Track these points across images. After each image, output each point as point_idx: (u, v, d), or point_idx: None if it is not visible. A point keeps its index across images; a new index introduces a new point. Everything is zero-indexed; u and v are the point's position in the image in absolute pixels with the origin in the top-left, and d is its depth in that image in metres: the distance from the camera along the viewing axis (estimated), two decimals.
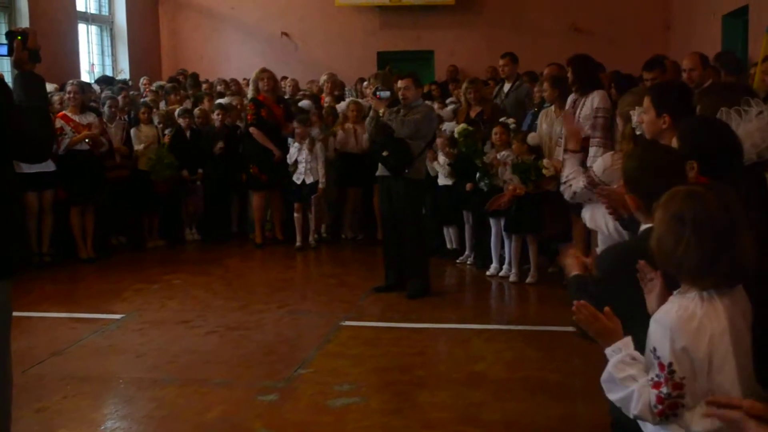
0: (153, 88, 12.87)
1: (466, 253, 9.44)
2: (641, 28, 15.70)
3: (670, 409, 2.46)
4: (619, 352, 2.63)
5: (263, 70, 10.74)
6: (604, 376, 2.66)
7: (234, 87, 13.24)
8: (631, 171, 3.13)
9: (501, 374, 5.86)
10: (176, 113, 11.17)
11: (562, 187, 4.80)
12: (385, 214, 8.29)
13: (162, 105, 12.08)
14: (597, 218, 4.71)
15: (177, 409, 5.33)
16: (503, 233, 8.60)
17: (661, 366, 2.46)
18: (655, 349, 2.49)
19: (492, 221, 8.67)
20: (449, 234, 9.74)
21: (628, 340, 2.63)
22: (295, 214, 10.48)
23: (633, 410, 2.56)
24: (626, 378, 2.58)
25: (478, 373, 5.90)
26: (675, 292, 2.58)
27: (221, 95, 12.49)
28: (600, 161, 4.96)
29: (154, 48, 17.57)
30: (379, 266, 8.56)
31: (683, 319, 2.44)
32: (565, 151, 4.87)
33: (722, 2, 12.02)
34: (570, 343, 6.01)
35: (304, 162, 10.21)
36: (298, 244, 10.46)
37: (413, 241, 8.03)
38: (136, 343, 6.74)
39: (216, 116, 11.05)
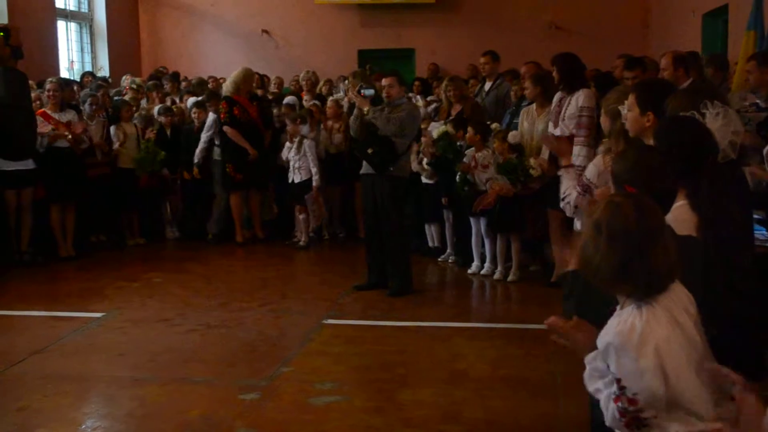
0: (133, 86, 12.78)
1: (448, 251, 9.46)
2: (620, 26, 15.77)
3: (633, 422, 2.48)
4: (594, 361, 2.65)
5: (251, 72, 10.75)
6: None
7: (213, 84, 13.15)
8: (622, 172, 3.14)
9: (483, 372, 5.88)
10: (156, 111, 11.13)
11: (562, 204, 4.82)
12: (368, 212, 8.26)
13: (143, 103, 12.03)
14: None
15: (158, 407, 5.31)
16: (483, 232, 8.62)
17: (616, 381, 2.49)
18: (608, 366, 2.51)
19: (472, 220, 8.68)
20: (431, 232, 9.75)
21: (596, 353, 2.64)
22: (299, 215, 10.44)
23: (606, 421, 2.59)
24: (594, 391, 2.62)
25: (460, 371, 5.91)
26: (617, 308, 2.61)
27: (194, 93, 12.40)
28: (592, 166, 4.97)
29: (134, 45, 17.49)
30: (360, 264, 8.57)
31: (624, 334, 2.45)
32: (559, 168, 4.88)
33: (702, 1, 12.07)
34: (551, 341, 6.01)
35: (293, 160, 10.19)
36: (298, 240, 10.46)
37: (396, 239, 8.03)
38: (117, 342, 6.71)
39: (194, 114, 11.00)
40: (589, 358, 2.67)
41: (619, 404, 2.48)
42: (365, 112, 7.93)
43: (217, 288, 8.52)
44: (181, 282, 8.78)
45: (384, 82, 8.10)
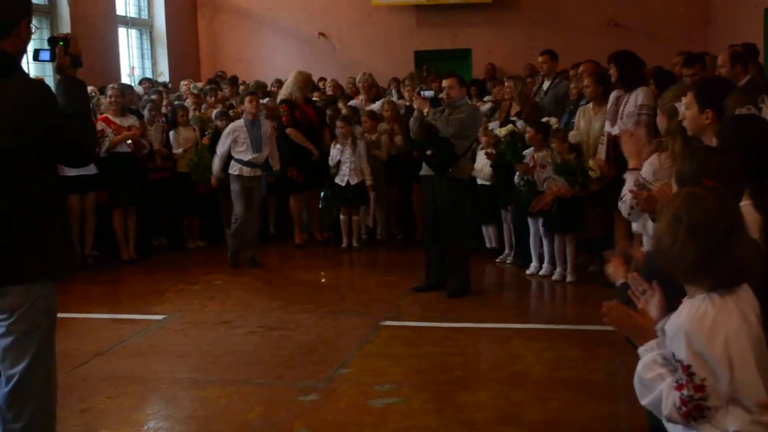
0: (193, 90, 12.96)
1: (506, 252, 9.41)
2: (680, 22, 15.55)
3: (695, 411, 2.45)
4: (652, 351, 2.62)
5: (309, 76, 10.83)
6: (635, 377, 2.65)
7: (275, 88, 13.23)
8: (688, 173, 3.08)
9: (542, 374, 5.84)
10: (213, 115, 11.24)
11: (619, 204, 4.77)
12: (428, 213, 8.23)
13: (203, 107, 12.17)
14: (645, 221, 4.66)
15: (218, 409, 5.36)
16: (542, 232, 8.56)
17: (683, 368, 2.45)
18: (674, 354, 2.48)
19: (530, 220, 8.62)
20: (488, 233, 9.70)
21: (661, 339, 2.61)
22: (341, 216, 10.48)
23: (663, 411, 2.55)
24: (655, 377, 2.58)
25: (519, 372, 5.88)
26: (685, 298, 2.57)
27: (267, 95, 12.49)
28: (648, 165, 4.91)
29: (193, 50, 17.72)
30: (418, 266, 8.55)
31: (696, 320, 2.43)
32: (628, 169, 4.83)
33: None
34: (611, 342, 5.95)
35: (348, 162, 10.21)
36: (344, 245, 10.48)
37: (455, 241, 8.01)
38: (178, 344, 6.80)
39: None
40: (649, 346, 2.64)
41: (684, 392, 2.45)
42: (425, 114, 7.91)
43: (276, 290, 8.58)
44: (241, 284, 8.87)
45: (444, 83, 8.09)
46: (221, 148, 9.75)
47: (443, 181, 7.91)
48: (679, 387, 2.47)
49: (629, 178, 4.77)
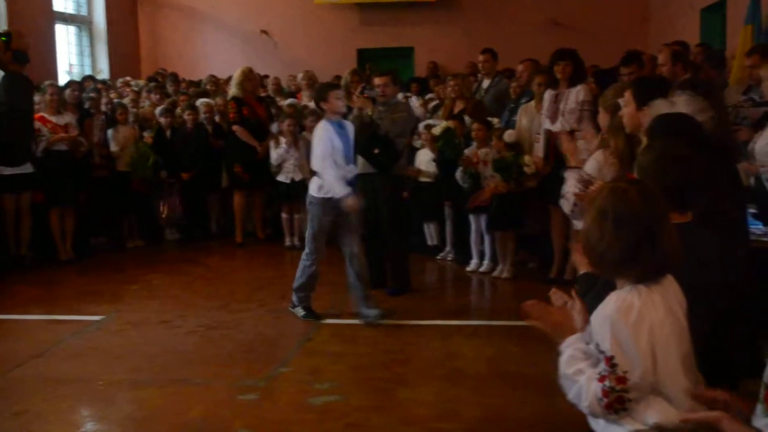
0: (134, 87, 12.80)
1: (447, 249, 9.45)
2: (619, 21, 15.73)
3: (617, 403, 2.48)
4: (572, 346, 2.66)
5: (250, 70, 10.73)
6: (559, 373, 2.69)
7: (210, 86, 13.12)
8: (648, 164, 3.13)
9: (481, 370, 5.89)
10: (157, 112, 11.13)
11: (561, 201, 4.82)
12: (368, 211, 8.18)
13: (145, 105, 12.04)
14: None
15: (157, 410, 5.30)
16: (483, 230, 8.62)
17: (606, 359, 2.48)
18: (598, 345, 2.51)
19: (471, 217, 8.69)
20: (429, 230, 9.74)
21: (580, 336, 2.65)
22: (284, 215, 10.43)
23: (583, 404, 2.58)
24: (575, 372, 2.62)
25: (459, 369, 5.92)
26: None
27: (205, 94, 12.39)
28: (592, 161, 4.97)
29: (133, 48, 17.48)
30: None
31: (622, 311, 2.47)
32: (567, 167, 4.88)
33: None
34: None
35: (292, 159, 10.19)
36: (287, 243, 10.43)
37: (397, 238, 8.03)
38: (116, 345, 6.71)
39: (187, 116, 11.01)
40: (569, 341, 2.67)
41: (606, 383, 2.48)
42: (370, 113, 7.89)
43: (217, 289, 8.51)
44: (181, 284, 8.79)
45: (378, 81, 8.08)
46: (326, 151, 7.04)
47: (385, 178, 7.91)
48: (602, 378, 2.51)
49: (570, 177, 4.83)
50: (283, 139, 10.27)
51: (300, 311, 7.29)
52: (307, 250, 7.30)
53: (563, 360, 2.69)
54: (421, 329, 6.99)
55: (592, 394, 2.54)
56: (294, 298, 7.35)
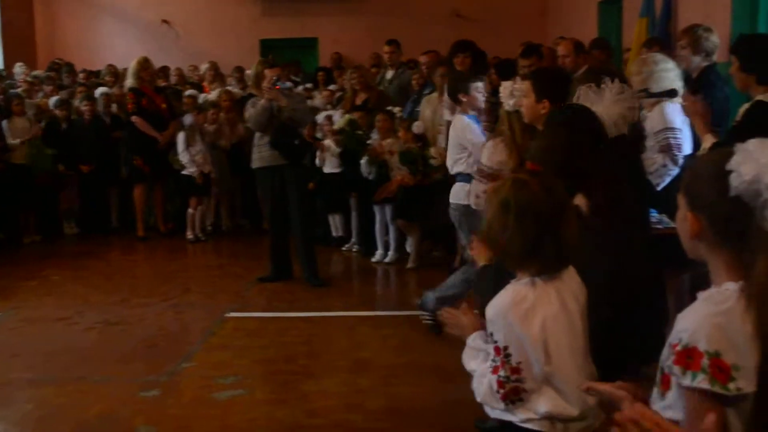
0: (28, 78, 12.40)
1: (352, 240, 9.45)
2: (520, 14, 15.94)
3: (512, 393, 2.52)
4: (471, 343, 2.70)
5: (146, 60, 10.51)
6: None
7: (109, 77, 12.81)
8: (537, 151, 3.20)
9: (387, 360, 5.89)
10: (52, 104, 10.84)
11: (471, 200, 4.86)
12: (275, 202, 8.05)
13: (40, 96, 11.70)
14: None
15: (56, 408, 5.17)
16: (389, 220, 8.65)
17: (497, 350, 2.53)
18: (492, 334, 2.54)
19: (376, 208, 8.70)
20: (334, 221, 9.72)
21: (476, 334, 2.69)
22: (190, 210, 10.28)
23: (478, 397, 2.62)
24: (473, 366, 2.66)
25: (364, 359, 5.92)
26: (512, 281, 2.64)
27: (104, 84, 12.10)
28: (486, 151, 5.03)
29: (29, 36, 16.96)
30: (263, 256, 8.49)
31: (516, 303, 2.50)
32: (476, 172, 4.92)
33: None
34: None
35: (199, 153, 10.06)
36: (189, 236, 10.29)
37: (307, 229, 8.02)
38: (12, 343, 6.53)
39: (84, 107, 10.75)
40: (471, 338, 2.71)
41: (501, 373, 2.52)
42: (284, 105, 7.79)
43: (118, 284, 8.33)
44: (80, 279, 8.57)
45: (272, 74, 7.95)
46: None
47: (295, 170, 7.88)
48: (495, 369, 2.54)
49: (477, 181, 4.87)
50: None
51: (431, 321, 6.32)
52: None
53: (463, 357, 2.73)
54: (326, 321, 6.97)
55: (486, 386, 2.57)
56: (434, 305, 6.22)
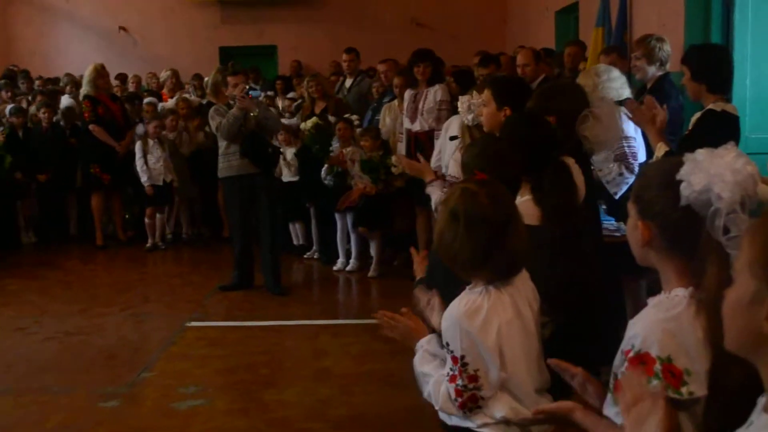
0: None
1: (314, 248, 9.45)
2: (479, 23, 16.06)
3: (470, 401, 2.56)
4: (424, 347, 2.73)
5: (102, 67, 10.43)
6: (414, 372, 2.77)
7: (70, 87, 12.70)
8: (470, 160, 3.25)
9: (348, 369, 5.91)
10: (8, 111, 10.73)
11: (435, 213, 4.90)
12: (243, 211, 7.99)
13: None
14: None
15: (13, 420, 5.12)
16: (350, 229, 8.66)
17: (455, 359, 2.56)
18: (448, 344, 2.57)
19: (337, 216, 8.70)
20: (295, 230, 9.71)
21: (430, 337, 2.72)
22: (147, 220, 10.22)
23: (436, 404, 2.65)
24: (425, 374, 2.69)
25: (325, 368, 5.92)
26: (467, 287, 2.67)
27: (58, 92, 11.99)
28: (452, 162, 5.08)
29: None
30: (224, 264, 8.49)
31: (470, 312, 2.54)
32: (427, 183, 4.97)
33: None
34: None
35: (158, 161, 10.01)
36: (149, 244, 10.23)
37: (276, 237, 8.04)
38: None
39: (42, 115, 10.65)
40: (422, 343, 2.74)
41: (459, 381, 2.54)
42: (255, 114, 7.77)
43: (76, 294, 8.26)
44: (38, 288, 8.48)
45: (236, 80, 7.93)
46: None
47: (266, 179, 7.90)
48: (453, 378, 2.57)
49: (433, 191, 4.90)
50: (151, 141, 10.05)
51: None
52: None
53: (415, 360, 2.77)
54: (287, 329, 6.97)
55: (443, 395, 2.60)
56: None
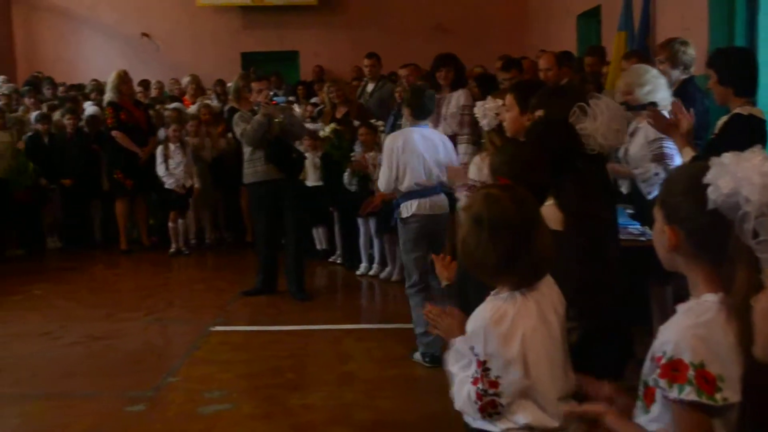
0: (5, 91, 12.36)
1: (337, 253, 9.47)
2: (502, 27, 16.04)
3: (490, 407, 2.55)
4: (455, 346, 2.73)
5: (125, 73, 10.51)
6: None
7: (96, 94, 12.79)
8: (499, 165, 3.24)
9: (372, 373, 5.92)
10: (33, 118, 10.82)
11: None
12: (269, 216, 7.99)
13: (21, 109, 11.69)
14: None
15: (42, 424, 5.18)
16: (373, 234, 8.67)
17: (479, 363, 2.55)
18: (473, 348, 2.57)
19: (360, 221, 8.72)
20: (318, 235, 9.74)
21: (463, 337, 2.71)
22: (170, 224, 10.28)
23: (456, 404, 2.65)
24: (452, 373, 2.69)
25: (349, 373, 5.94)
26: (492, 292, 2.67)
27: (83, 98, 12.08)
28: (473, 167, 5.07)
29: (8, 49, 16.92)
30: (247, 270, 8.51)
31: (495, 320, 2.52)
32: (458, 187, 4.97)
33: (576, 2, 12.39)
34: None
35: (179, 166, 10.07)
36: (173, 249, 10.29)
37: (301, 242, 8.10)
38: None
39: (67, 121, 10.74)
40: (455, 341, 2.74)
41: (479, 386, 2.54)
42: (281, 120, 7.81)
43: (101, 299, 8.33)
44: (64, 293, 8.56)
45: (260, 86, 7.98)
46: None
47: (291, 184, 7.95)
48: (475, 381, 2.56)
49: (461, 196, 4.90)
50: (172, 146, 10.11)
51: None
52: None
53: (448, 356, 2.76)
54: (311, 334, 6.99)
55: (465, 396, 2.60)
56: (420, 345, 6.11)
